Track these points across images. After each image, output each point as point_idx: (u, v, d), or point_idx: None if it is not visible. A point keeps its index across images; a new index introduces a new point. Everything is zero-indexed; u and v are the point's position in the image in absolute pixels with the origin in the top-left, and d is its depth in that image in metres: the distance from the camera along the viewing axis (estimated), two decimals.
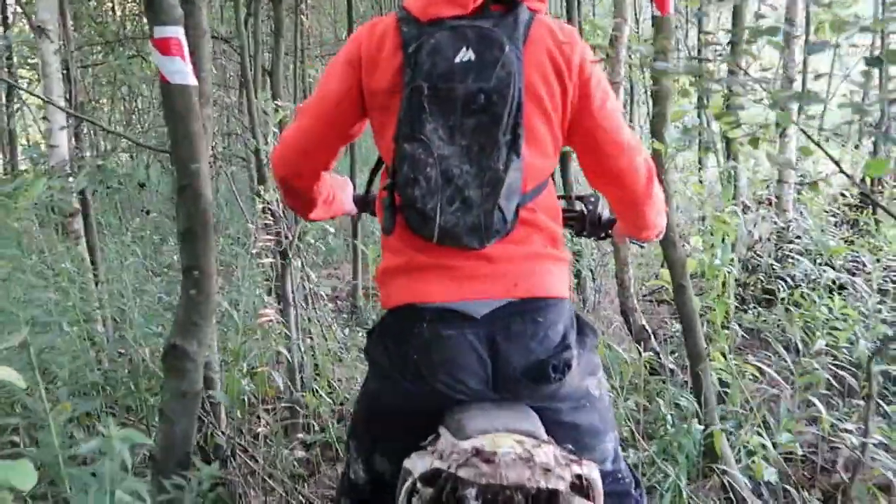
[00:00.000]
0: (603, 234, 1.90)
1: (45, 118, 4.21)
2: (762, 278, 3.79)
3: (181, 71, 1.76)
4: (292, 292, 3.68)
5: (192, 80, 1.78)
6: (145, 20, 5.67)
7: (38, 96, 3.93)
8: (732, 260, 2.74)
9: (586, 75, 1.49)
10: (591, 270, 4.85)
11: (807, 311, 3.33)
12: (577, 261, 4.71)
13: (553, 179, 1.61)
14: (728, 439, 2.46)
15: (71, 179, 4.20)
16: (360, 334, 4.51)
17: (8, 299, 2.77)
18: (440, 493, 1.23)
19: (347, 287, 6.07)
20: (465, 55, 1.39)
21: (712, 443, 2.26)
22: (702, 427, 2.39)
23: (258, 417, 2.69)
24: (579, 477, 1.23)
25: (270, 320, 2.57)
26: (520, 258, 1.46)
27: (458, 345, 1.41)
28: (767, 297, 4.12)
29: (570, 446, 1.40)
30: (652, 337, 3.82)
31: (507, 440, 1.24)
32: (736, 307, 4.22)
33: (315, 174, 1.66)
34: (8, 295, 2.96)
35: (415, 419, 1.45)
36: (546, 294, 1.46)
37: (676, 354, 3.92)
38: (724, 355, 2.57)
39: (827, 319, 3.12)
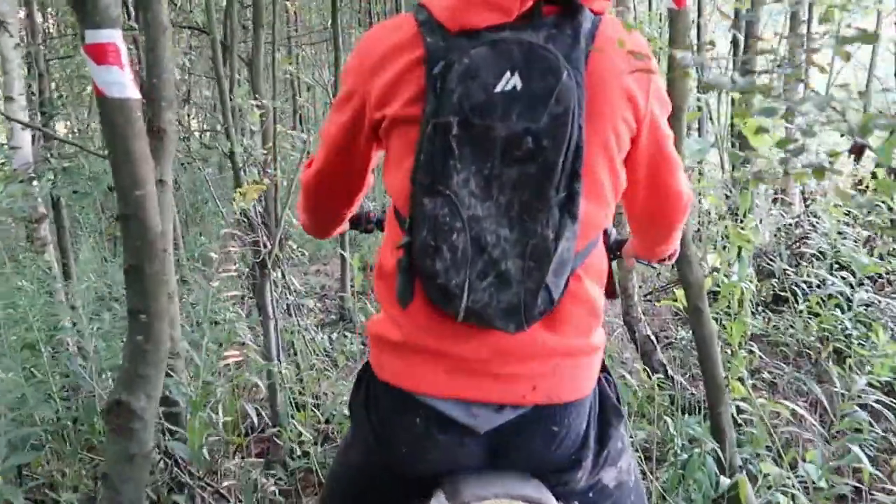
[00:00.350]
0: (612, 256, 1.64)
1: (6, 117, 3.92)
2: (775, 284, 3.55)
3: (119, 82, 1.49)
4: (272, 306, 3.44)
5: (132, 93, 1.51)
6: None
7: None
8: (750, 275, 2.49)
9: (660, 101, 1.20)
10: None
11: (828, 324, 3.10)
12: None
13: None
14: (750, 480, 2.23)
15: (35, 183, 3.93)
16: (349, 339, 4.28)
17: None
18: None
19: (336, 284, 5.83)
20: (510, 82, 1.04)
21: (737, 494, 2.02)
22: (723, 472, 2.15)
23: (231, 455, 2.44)
24: None
25: (238, 358, 2.31)
26: (547, 352, 1.15)
27: (456, 450, 1.17)
28: (778, 302, 3.90)
29: None
30: (658, 349, 3.59)
31: None
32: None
33: (348, 206, 1.43)
34: None
35: (406, 491, 1.25)
36: (569, 399, 1.18)
37: (685, 370, 3.70)
38: (741, 381, 2.33)
39: (847, 334, 2.90)
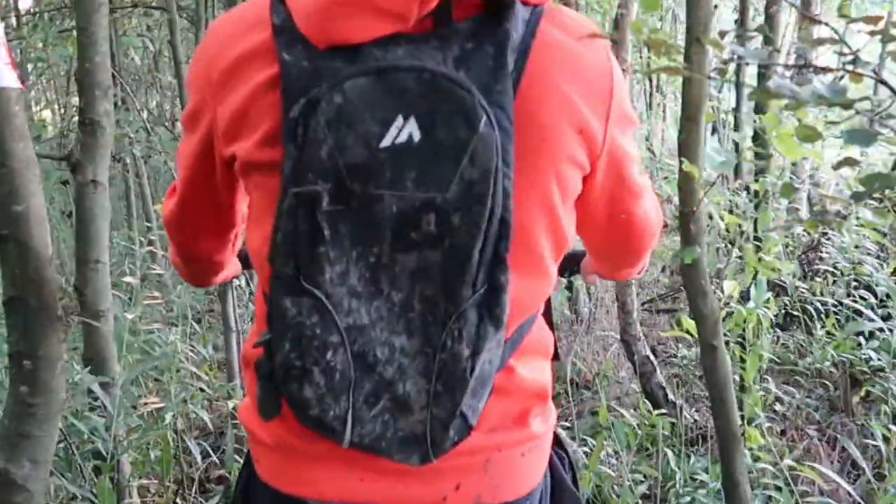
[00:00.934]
0: (568, 272, 1.33)
1: None
2: (787, 302, 3.24)
3: None
4: (235, 316, 3.13)
5: (8, 81, 1.18)
6: None
7: None
8: (768, 300, 2.18)
9: (622, 121, 0.86)
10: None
11: (845, 350, 2.80)
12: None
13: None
14: None
15: None
16: None
17: None
18: None
19: None
20: (403, 132, 0.70)
21: None
22: None
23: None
24: None
25: (159, 405, 1.97)
26: (472, 449, 0.84)
27: None
28: (789, 321, 3.61)
29: None
30: (657, 370, 3.29)
31: None
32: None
33: (221, 249, 1.06)
34: None
35: None
36: (508, 499, 0.88)
37: (686, 390, 3.41)
38: (758, 427, 2.02)
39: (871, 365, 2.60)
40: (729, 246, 2.73)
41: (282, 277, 0.73)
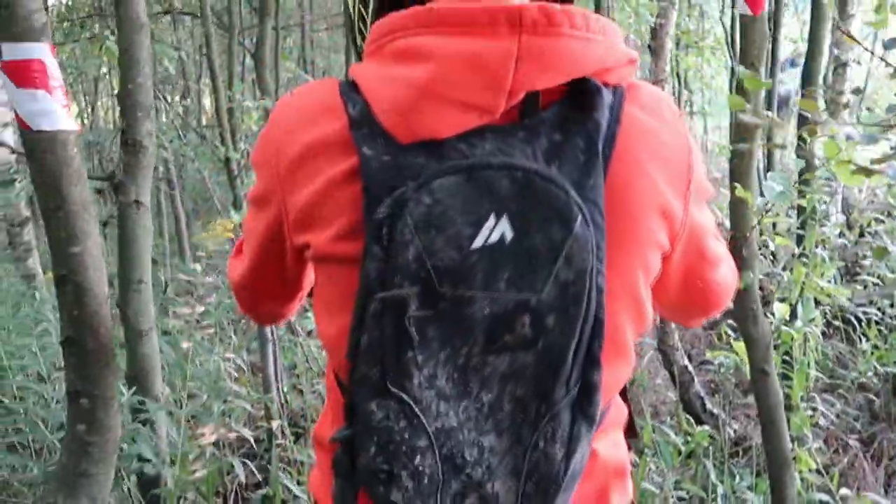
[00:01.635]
0: None
1: None
2: (828, 311, 3.19)
3: (48, 111, 1.15)
4: (272, 327, 3.14)
5: (65, 124, 1.18)
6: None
7: None
8: (814, 319, 2.14)
9: (700, 196, 0.83)
10: None
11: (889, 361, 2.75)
12: None
13: None
14: None
15: (18, 185, 3.63)
16: None
17: None
18: None
19: None
20: (495, 231, 0.66)
21: None
22: None
23: None
24: None
25: (212, 439, 1.97)
26: None
27: None
28: (831, 329, 3.55)
29: None
30: (695, 380, 3.25)
31: None
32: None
33: (288, 307, 1.05)
34: None
35: None
36: None
37: (724, 399, 3.37)
38: (809, 451, 1.99)
39: None
40: (776, 266, 2.68)
41: (367, 380, 0.69)
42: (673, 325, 3.28)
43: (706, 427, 2.75)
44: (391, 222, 0.66)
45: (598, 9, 3.33)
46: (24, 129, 1.17)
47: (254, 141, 3.30)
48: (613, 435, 0.88)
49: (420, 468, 0.69)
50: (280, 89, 3.77)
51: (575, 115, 0.70)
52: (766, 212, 1.52)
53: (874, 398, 3.09)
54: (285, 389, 3.18)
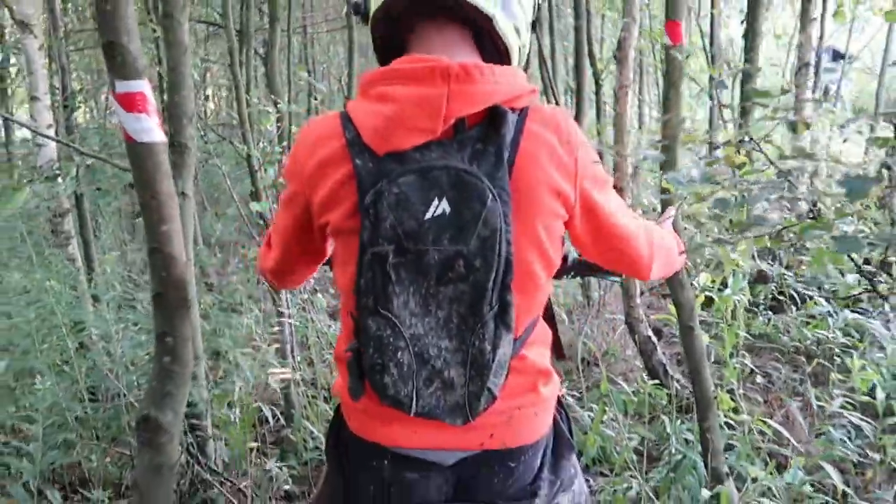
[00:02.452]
0: (573, 275, 1.74)
1: (32, 117, 4.06)
2: (774, 287, 3.65)
3: (148, 128, 1.61)
4: (287, 304, 3.59)
5: (159, 137, 1.63)
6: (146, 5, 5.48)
7: (18, 123, 3.79)
8: (743, 288, 2.60)
9: (593, 181, 1.24)
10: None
11: (821, 329, 3.21)
12: None
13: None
14: (737, 486, 2.36)
15: (59, 180, 4.08)
16: None
17: None
18: None
19: None
20: (439, 208, 1.10)
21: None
22: (707, 482, 2.29)
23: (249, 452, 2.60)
24: None
25: (287, 375, 2.44)
26: (501, 410, 1.25)
27: (421, 489, 1.28)
28: (778, 303, 4.00)
29: None
30: (657, 349, 3.71)
31: None
32: (746, 309, 4.11)
33: (313, 270, 1.53)
34: None
35: None
36: (522, 442, 1.29)
37: (684, 368, 3.83)
38: (731, 392, 2.45)
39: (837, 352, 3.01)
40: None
41: (366, 307, 1.13)
42: (638, 300, 3.74)
43: (662, 386, 3.22)
44: (375, 205, 1.10)
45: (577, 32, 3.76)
46: (129, 142, 1.62)
47: (271, 139, 3.75)
48: (539, 348, 1.33)
49: (401, 361, 1.14)
50: (291, 91, 4.21)
51: (490, 131, 1.14)
52: (684, 199, 1.96)
53: (807, 362, 3.56)
54: (298, 359, 3.63)
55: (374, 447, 1.29)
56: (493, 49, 1.24)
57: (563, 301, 4.65)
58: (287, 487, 2.71)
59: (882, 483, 2.41)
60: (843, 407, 2.56)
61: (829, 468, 2.19)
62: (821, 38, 5.97)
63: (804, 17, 5.67)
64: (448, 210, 1.10)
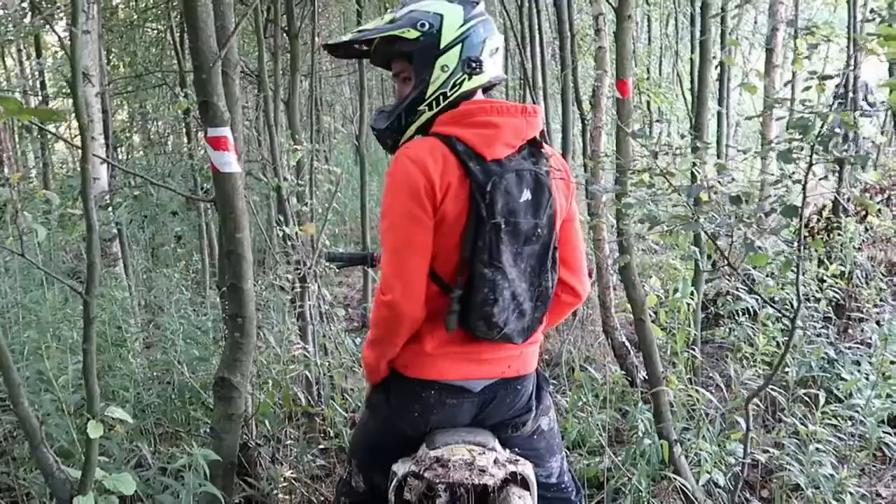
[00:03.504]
0: None
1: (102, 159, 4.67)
2: (730, 299, 4.22)
3: (229, 162, 2.21)
4: (310, 312, 4.15)
5: (236, 168, 2.24)
6: (172, 53, 6.15)
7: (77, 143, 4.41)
8: (693, 293, 3.17)
9: (573, 198, 1.90)
10: None
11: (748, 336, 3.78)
12: None
13: None
14: (686, 449, 2.91)
15: (110, 210, 4.68)
16: None
17: (67, 323, 3.26)
18: (420, 491, 1.75)
19: (358, 294, 6.63)
20: (526, 195, 1.69)
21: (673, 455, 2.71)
22: (659, 439, 2.83)
23: (283, 429, 3.16)
24: (514, 474, 1.74)
25: (292, 343, 3.04)
26: (518, 347, 1.83)
27: (457, 410, 1.84)
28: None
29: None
30: (631, 352, 4.26)
31: (462, 450, 1.75)
32: (708, 322, 4.67)
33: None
34: (65, 318, 3.45)
35: (406, 448, 1.89)
36: (526, 371, 1.89)
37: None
38: (677, 378, 3.01)
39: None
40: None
41: (481, 260, 1.66)
42: (613, 310, 4.31)
43: (634, 385, 3.77)
44: (492, 193, 1.65)
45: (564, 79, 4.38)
46: (215, 172, 2.22)
47: (293, 174, 4.35)
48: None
49: (504, 297, 1.72)
50: (312, 132, 4.84)
51: (537, 148, 1.77)
52: (636, 220, 2.56)
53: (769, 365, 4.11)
54: (319, 362, 4.19)
55: (426, 382, 1.81)
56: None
57: None
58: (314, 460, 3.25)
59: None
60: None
61: (740, 420, 2.75)
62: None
63: (768, 64, 6.33)
64: (530, 197, 1.70)
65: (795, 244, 1.56)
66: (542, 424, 1.96)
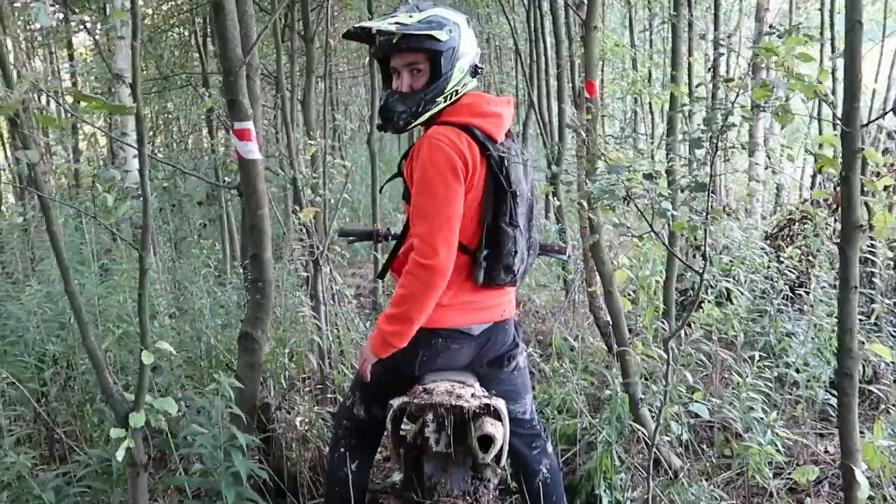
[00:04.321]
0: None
1: (121, 148, 5.14)
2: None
3: (252, 150, 2.64)
4: (322, 292, 4.59)
5: (258, 156, 2.67)
6: (196, 56, 6.62)
7: (112, 136, 4.86)
8: (660, 272, 3.57)
9: None
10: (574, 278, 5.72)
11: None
12: (563, 268, 5.58)
13: None
14: (649, 405, 3.30)
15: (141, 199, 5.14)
16: None
17: (115, 300, 3.71)
18: (413, 413, 2.15)
19: (370, 285, 7.06)
20: (520, 168, 2.19)
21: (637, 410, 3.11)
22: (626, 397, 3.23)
23: (296, 388, 3.59)
24: (487, 405, 2.10)
25: (305, 315, 3.47)
26: (509, 293, 2.31)
27: (458, 353, 2.25)
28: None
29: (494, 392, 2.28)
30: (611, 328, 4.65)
31: (445, 384, 2.13)
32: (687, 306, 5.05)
33: None
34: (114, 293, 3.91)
35: (403, 386, 2.28)
36: (510, 315, 2.34)
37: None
38: (643, 343, 3.42)
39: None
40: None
41: (504, 220, 2.13)
42: (598, 291, 4.70)
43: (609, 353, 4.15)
44: (508, 168, 2.14)
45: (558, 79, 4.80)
46: (240, 159, 2.66)
47: (308, 168, 4.78)
48: None
49: (521, 248, 2.21)
50: (327, 129, 5.27)
51: (510, 139, 2.25)
52: (599, 200, 2.96)
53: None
54: (329, 337, 4.62)
55: (435, 330, 2.19)
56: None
57: (547, 300, 5.62)
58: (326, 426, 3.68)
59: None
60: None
61: (689, 375, 3.15)
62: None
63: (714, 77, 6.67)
64: (522, 172, 2.21)
65: (704, 214, 1.95)
66: (520, 362, 2.38)
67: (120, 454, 2.02)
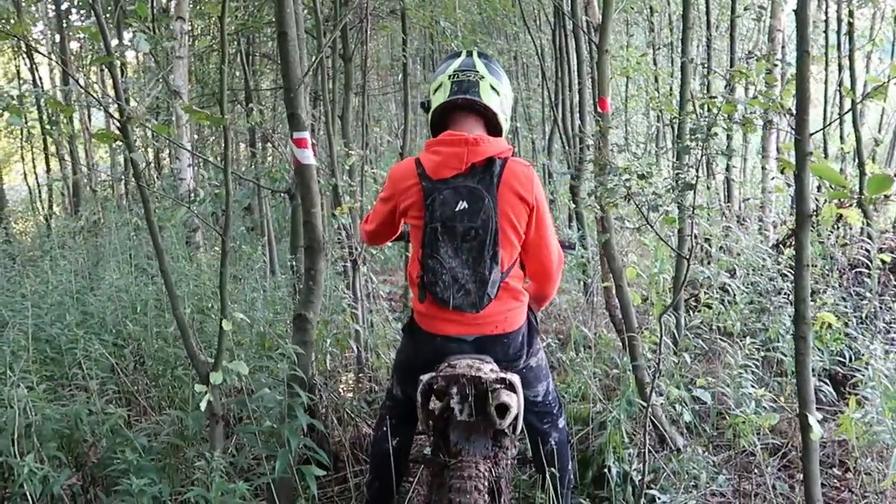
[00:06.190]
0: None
1: (177, 158, 5.64)
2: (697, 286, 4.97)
3: (307, 156, 3.08)
4: (360, 290, 5.02)
5: (313, 161, 3.10)
6: (244, 73, 7.12)
7: (178, 144, 5.37)
8: (668, 269, 3.94)
9: (538, 204, 2.48)
10: (593, 279, 6.10)
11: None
12: (583, 272, 5.95)
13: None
14: (659, 392, 3.67)
15: (195, 205, 5.63)
16: None
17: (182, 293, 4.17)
18: (440, 387, 2.50)
19: (400, 290, 7.49)
20: (461, 205, 2.35)
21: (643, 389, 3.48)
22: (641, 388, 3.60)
23: (337, 367, 4.01)
24: (504, 379, 2.43)
25: (348, 303, 3.90)
26: (499, 311, 2.49)
27: (456, 348, 2.54)
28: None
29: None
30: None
31: (466, 360, 2.49)
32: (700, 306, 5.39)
33: (390, 238, 2.89)
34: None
35: (429, 366, 2.59)
36: (511, 330, 2.56)
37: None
38: (650, 332, 3.79)
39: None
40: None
41: (427, 254, 2.41)
42: (613, 292, 5.07)
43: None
44: (432, 204, 2.44)
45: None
46: (297, 165, 3.09)
47: (349, 174, 5.23)
48: (516, 280, 2.64)
49: (445, 279, 2.47)
50: (363, 139, 5.72)
51: (487, 168, 2.50)
52: (609, 202, 3.35)
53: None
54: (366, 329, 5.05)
55: (432, 334, 2.53)
56: (492, 127, 2.60)
57: (567, 301, 5.99)
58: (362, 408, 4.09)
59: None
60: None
61: (684, 357, 3.51)
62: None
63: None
64: (466, 206, 2.36)
65: (690, 207, 2.33)
66: (531, 363, 2.69)
67: (203, 404, 2.44)
